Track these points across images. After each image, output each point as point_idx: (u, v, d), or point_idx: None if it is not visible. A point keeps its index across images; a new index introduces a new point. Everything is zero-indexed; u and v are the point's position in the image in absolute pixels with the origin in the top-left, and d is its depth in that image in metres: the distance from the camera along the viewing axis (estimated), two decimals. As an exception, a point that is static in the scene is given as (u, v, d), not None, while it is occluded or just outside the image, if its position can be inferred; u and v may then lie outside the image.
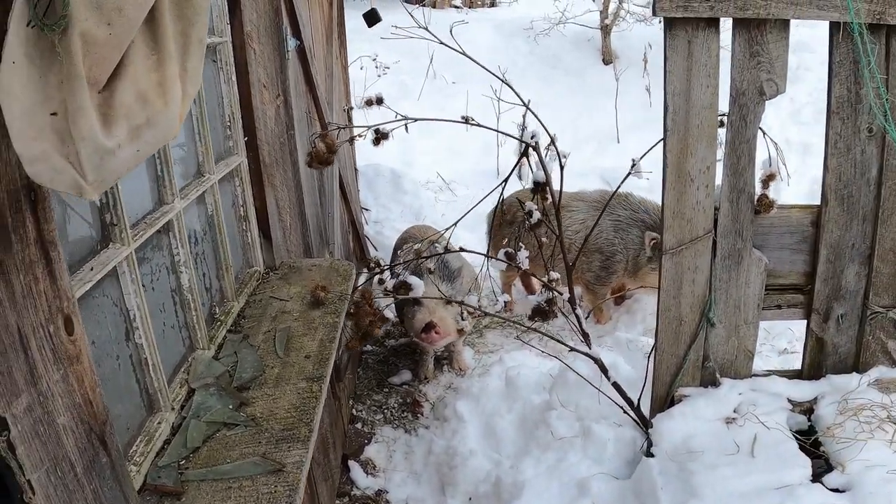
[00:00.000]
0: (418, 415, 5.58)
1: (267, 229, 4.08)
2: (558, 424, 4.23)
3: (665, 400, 3.81)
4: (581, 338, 3.98)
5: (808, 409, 3.61)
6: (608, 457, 3.87)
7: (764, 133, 3.45)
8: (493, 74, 3.64)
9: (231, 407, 2.89)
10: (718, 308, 3.65)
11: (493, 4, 17.36)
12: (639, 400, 3.94)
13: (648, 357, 3.89)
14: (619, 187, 4.25)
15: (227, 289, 3.66)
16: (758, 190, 3.51)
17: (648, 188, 7.12)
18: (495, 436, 4.73)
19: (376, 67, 12.27)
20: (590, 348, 3.94)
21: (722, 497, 3.16)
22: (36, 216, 1.64)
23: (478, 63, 3.70)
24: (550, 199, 3.80)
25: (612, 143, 11.33)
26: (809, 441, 3.40)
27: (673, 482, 3.35)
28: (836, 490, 3.13)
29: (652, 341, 3.91)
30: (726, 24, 3.23)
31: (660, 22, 11.82)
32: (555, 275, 3.94)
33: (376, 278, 4.12)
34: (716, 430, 3.50)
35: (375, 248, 8.25)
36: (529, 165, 3.76)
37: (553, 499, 3.78)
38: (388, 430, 5.44)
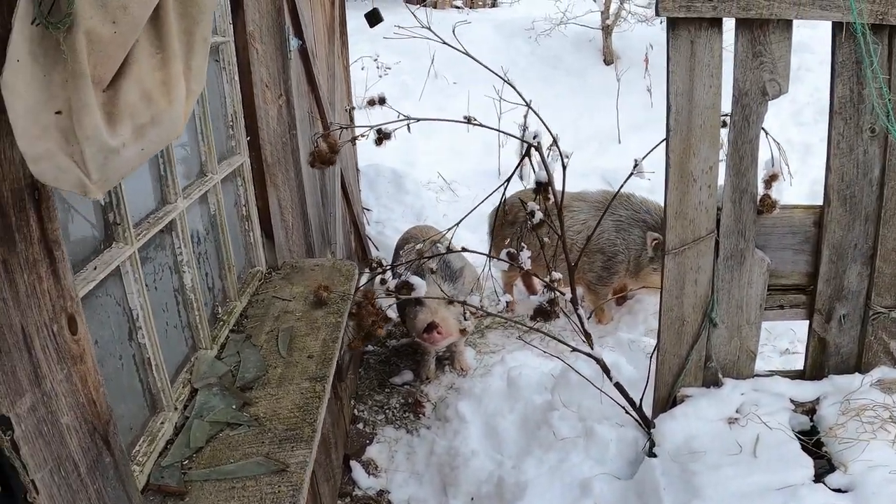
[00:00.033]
0: (420, 415, 5.58)
1: (269, 229, 4.08)
2: (560, 425, 4.23)
3: (667, 400, 3.80)
4: (583, 338, 3.98)
5: (810, 409, 3.61)
6: (610, 457, 3.87)
7: (766, 133, 3.45)
8: (497, 74, 3.63)
9: (234, 407, 2.89)
10: (721, 308, 3.65)
11: (494, 5, 17.36)
12: (641, 400, 3.93)
13: (650, 357, 3.89)
14: (621, 187, 4.25)
15: (230, 288, 3.66)
16: (760, 190, 3.50)
17: (650, 188, 7.12)
18: (497, 436, 4.73)
19: (377, 68, 12.28)
20: (592, 348, 3.94)
21: (724, 497, 3.16)
22: (40, 215, 1.64)
23: (481, 63, 3.70)
24: (553, 199, 3.80)
25: (613, 144, 11.34)
26: (812, 441, 3.40)
27: (675, 482, 3.35)
28: (838, 490, 3.13)
29: (653, 341, 3.90)
30: (729, 24, 3.23)
31: (661, 22, 11.85)
32: (557, 275, 3.94)
33: (378, 278, 4.12)
34: (718, 430, 3.49)
35: (377, 248, 8.25)
36: (532, 165, 3.76)
37: (555, 499, 3.78)
38: (390, 430, 5.43)
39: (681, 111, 3.32)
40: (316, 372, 3.13)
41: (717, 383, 3.74)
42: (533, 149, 3.72)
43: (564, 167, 3.82)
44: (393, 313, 3.96)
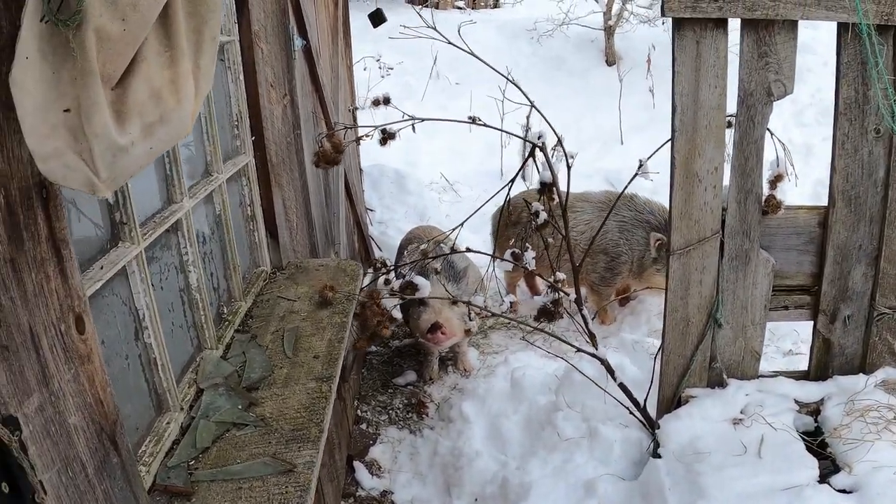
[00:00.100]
0: (423, 415, 5.57)
1: (274, 229, 4.08)
2: (564, 425, 4.23)
3: (672, 401, 3.80)
4: (587, 339, 3.97)
5: (814, 410, 3.61)
6: (615, 458, 3.87)
7: (772, 134, 3.45)
8: (502, 75, 3.63)
9: (240, 407, 2.88)
10: (725, 309, 3.65)
11: (496, 5, 17.35)
12: (645, 401, 3.93)
13: (655, 358, 3.89)
14: (626, 188, 4.25)
15: (235, 288, 3.66)
16: (765, 191, 3.50)
17: (653, 189, 7.13)
18: (501, 437, 4.73)
19: (380, 68, 12.27)
20: (596, 349, 3.94)
21: (729, 498, 3.15)
22: (47, 214, 1.63)
23: (487, 64, 3.70)
24: (557, 200, 3.80)
25: (615, 145, 11.34)
26: (816, 442, 3.39)
27: (680, 483, 3.35)
28: (843, 491, 3.13)
29: (657, 342, 3.90)
30: (734, 25, 3.23)
31: (663, 23, 11.84)
32: (561, 275, 3.94)
33: (382, 279, 4.12)
34: (723, 430, 3.49)
35: (380, 248, 8.25)
36: (536, 166, 3.76)
37: (560, 500, 3.78)
38: (394, 430, 5.43)
39: (686, 112, 3.32)
40: (322, 372, 3.12)
41: (721, 384, 3.74)
42: (537, 149, 3.72)
43: (569, 167, 3.82)
44: (397, 314, 3.97)
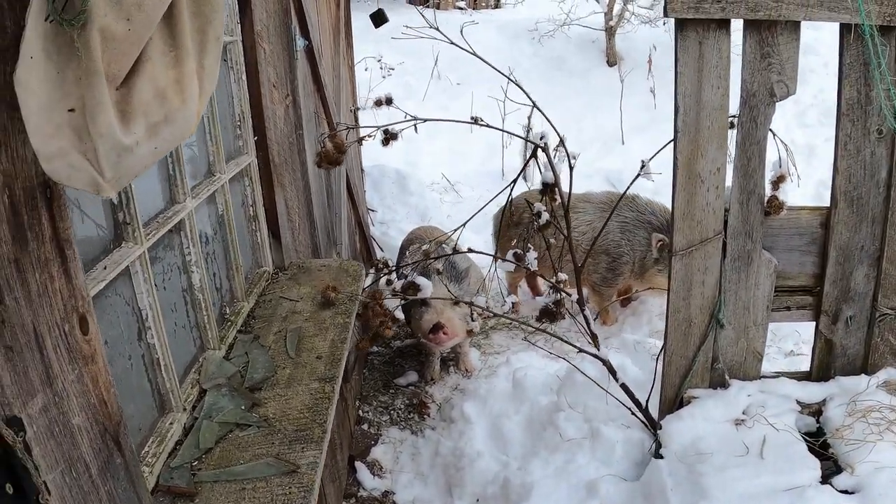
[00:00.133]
0: (425, 416, 5.57)
1: (276, 229, 4.08)
2: (566, 426, 4.22)
3: (674, 401, 3.80)
4: (589, 339, 3.97)
5: (816, 410, 3.60)
6: (617, 458, 3.86)
7: (774, 135, 3.45)
8: (505, 76, 3.63)
9: (243, 408, 2.88)
10: (728, 309, 3.65)
11: (497, 6, 17.34)
12: (647, 401, 3.93)
13: (657, 358, 3.89)
14: (628, 188, 4.25)
15: (238, 289, 3.66)
16: (768, 191, 3.50)
17: (654, 190, 7.13)
18: (503, 437, 4.72)
19: (381, 68, 12.28)
20: (598, 350, 3.93)
21: (732, 499, 3.15)
22: (51, 213, 1.63)
23: (489, 64, 3.70)
24: (559, 200, 3.80)
25: (616, 145, 11.34)
26: (818, 443, 3.39)
27: (682, 484, 3.35)
28: (845, 492, 3.13)
29: (658, 343, 3.90)
30: (737, 25, 3.23)
31: (664, 24, 11.83)
32: (563, 276, 3.94)
33: (384, 279, 4.12)
34: (725, 431, 3.49)
35: (381, 248, 8.26)
36: (538, 166, 3.76)
37: (562, 500, 3.77)
38: (395, 431, 5.43)
39: (689, 112, 3.31)
40: (325, 372, 3.12)
41: (723, 384, 3.74)
42: (539, 149, 3.72)
43: (571, 168, 3.81)
44: (399, 314, 3.97)
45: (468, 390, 5.61)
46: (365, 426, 5.47)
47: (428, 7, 13.74)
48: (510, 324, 6.74)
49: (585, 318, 3.96)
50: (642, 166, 3.81)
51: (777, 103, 3.35)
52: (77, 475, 1.67)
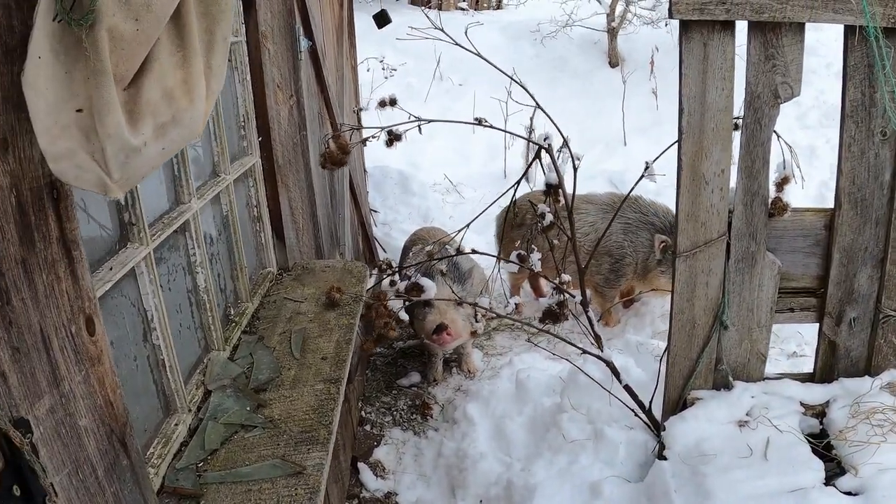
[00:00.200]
0: (427, 417, 5.57)
1: (280, 230, 4.08)
2: (569, 427, 4.22)
3: (677, 403, 3.79)
4: (593, 340, 3.97)
5: (820, 412, 3.60)
6: (620, 460, 3.86)
7: (778, 136, 3.44)
8: (510, 77, 3.63)
9: (248, 409, 2.88)
10: (731, 311, 3.64)
11: (499, 7, 17.34)
12: (650, 403, 3.93)
13: (660, 360, 3.88)
14: (632, 189, 4.24)
15: (242, 290, 3.66)
16: (772, 193, 3.50)
17: (656, 191, 7.13)
18: (506, 438, 4.72)
19: (383, 69, 12.28)
20: (602, 351, 3.93)
21: (735, 500, 3.15)
22: (58, 214, 1.63)
23: (494, 66, 3.69)
24: (563, 201, 3.80)
25: (619, 146, 11.34)
26: (822, 444, 3.39)
27: (686, 485, 3.34)
28: (849, 493, 3.12)
29: (661, 344, 3.90)
30: (741, 26, 3.23)
31: (666, 25, 11.83)
32: (566, 277, 3.93)
33: (387, 280, 4.12)
34: (728, 432, 3.49)
35: (384, 249, 8.25)
36: (542, 167, 3.76)
37: (565, 502, 3.77)
38: (398, 432, 5.43)
39: (693, 114, 3.31)
40: (330, 374, 3.12)
41: (727, 386, 3.74)
42: (543, 150, 3.72)
43: (575, 169, 3.81)
44: (404, 315, 3.97)
45: (471, 391, 5.60)
46: (368, 427, 5.47)
47: (430, 8, 13.74)
48: (513, 325, 6.74)
49: (589, 319, 3.96)
50: (646, 167, 3.81)
51: (781, 105, 3.35)
52: (84, 477, 1.67)
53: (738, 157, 3.42)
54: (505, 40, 13.68)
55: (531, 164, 4.13)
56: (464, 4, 16.64)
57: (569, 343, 4.25)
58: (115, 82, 1.44)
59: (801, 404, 3.60)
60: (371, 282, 4.49)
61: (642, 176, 3.81)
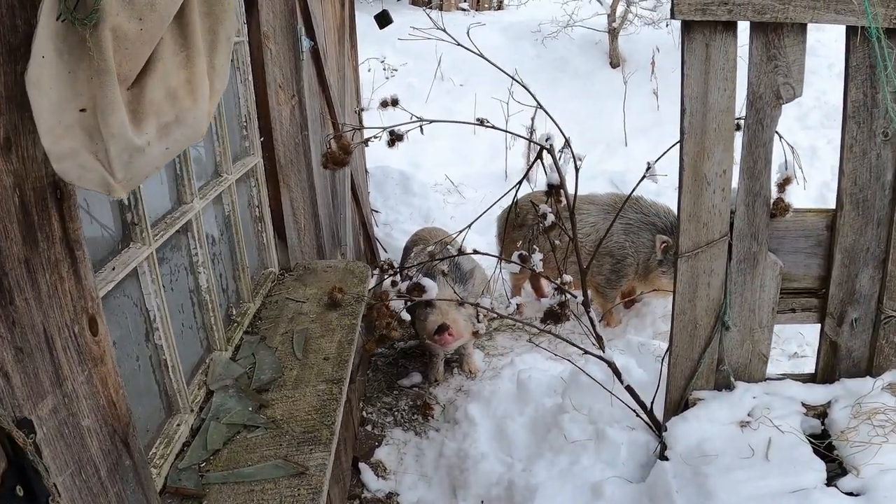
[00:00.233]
0: (428, 417, 5.56)
1: (282, 230, 4.08)
2: (571, 427, 4.22)
3: (679, 403, 3.79)
4: (594, 341, 3.97)
5: (821, 412, 3.60)
6: (622, 460, 3.86)
7: (780, 137, 3.44)
8: (513, 78, 3.63)
9: (250, 409, 2.88)
10: (733, 311, 3.64)
11: (499, 7, 17.33)
12: (652, 403, 3.93)
13: (662, 360, 3.88)
14: (633, 190, 4.24)
15: (244, 290, 3.66)
16: (774, 193, 3.50)
17: (657, 191, 7.13)
18: (507, 439, 4.72)
19: (384, 69, 12.28)
20: (603, 351, 3.93)
21: (737, 501, 3.15)
22: (61, 214, 1.63)
23: (494, 65, 3.69)
24: (564, 202, 3.80)
25: (619, 147, 11.34)
26: (823, 445, 3.39)
27: (688, 486, 3.34)
28: (850, 494, 3.12)
29: (662, 344, 3.89)
30: (743, 27, 3.23)
31: (667, 25, 11.82)
32: (567, 277, 3.93)
33: (388, 280, 4.12)
34: (730, 433, 3.49)
35: (385, 249, 8.26)
36: (543, 167, 3.76)
37: (566, 502, 3.76)
38: (399, 432, 5.42)
39: (695, 114, 3.31)
40: (332, 374, 3.12)
41: (728, 386, 3.74)
42: (545, 151, 3.72)
43: (577, 169, 3.81)
44: (406, 316, 3.96)
45: (472, 392, 5.60)
46: (369, 427, 5.47)
47: (431, 8, 13.73)
48: (514, 325, 6.74)
49: (591, 319, 3.96)
50: (648, 168, 3.80)
51: (783, 105, 3.35)
52: (87, 477, 1.67)
53: (740, 157, 3.42)
54: (506, 41, 13.67)
55: (533, 164, 4.13)
56: (465, 5, 16.63)
57: (570, 343, 4.24)
58: (118, 82, 1.43)
59: (803, 405, 3.60)
60: (373, 282, 4.49)
61: (644, 176, 3.81)
